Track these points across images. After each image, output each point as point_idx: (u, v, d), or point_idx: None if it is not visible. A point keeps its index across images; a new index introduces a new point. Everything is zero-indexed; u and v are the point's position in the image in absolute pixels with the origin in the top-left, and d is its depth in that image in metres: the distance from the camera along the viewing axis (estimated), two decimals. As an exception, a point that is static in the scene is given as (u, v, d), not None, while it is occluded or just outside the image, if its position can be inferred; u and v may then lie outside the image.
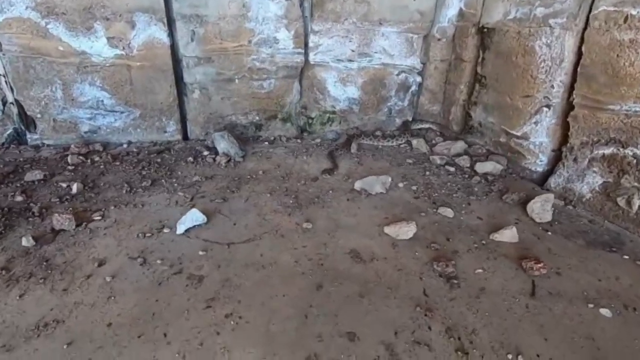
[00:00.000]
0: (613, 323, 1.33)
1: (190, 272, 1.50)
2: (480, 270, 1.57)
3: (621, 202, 1.93)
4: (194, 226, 1.79)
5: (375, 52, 3.04)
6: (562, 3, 2.14)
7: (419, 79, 3.26)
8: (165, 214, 1.90)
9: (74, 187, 2.06)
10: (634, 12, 1.80)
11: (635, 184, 1.88)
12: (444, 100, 3.29)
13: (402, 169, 2.56)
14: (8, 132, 2.65)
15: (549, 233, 1.85)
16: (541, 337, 1.26)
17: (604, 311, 1.37)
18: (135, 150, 2.68)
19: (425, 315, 1.33)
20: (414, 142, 2.98)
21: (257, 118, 3.05)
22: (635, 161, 1.88)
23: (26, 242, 1.61)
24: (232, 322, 1.27)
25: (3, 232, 1.69)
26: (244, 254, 1.63)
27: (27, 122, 2.65)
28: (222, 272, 1.51)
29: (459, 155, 2.78)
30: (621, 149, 1.93)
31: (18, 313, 1.27)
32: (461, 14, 2.96)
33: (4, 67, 2.49)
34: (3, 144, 2.62)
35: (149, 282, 1.44)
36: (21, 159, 2.43)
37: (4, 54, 2.44)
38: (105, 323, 1.25)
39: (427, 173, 2.51)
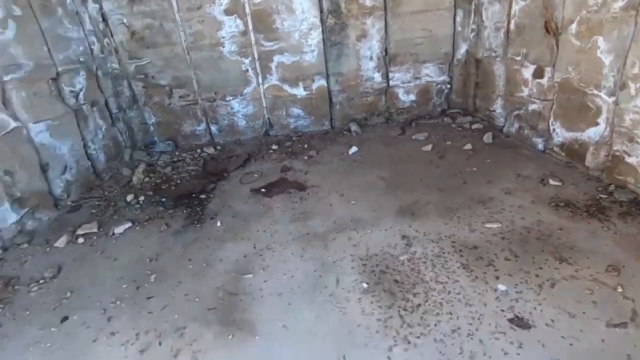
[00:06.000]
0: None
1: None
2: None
3: (522, 132, 4.98)
4: (354, 152, 5.38)
5: (424, 76, 6.38)
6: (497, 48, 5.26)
7: (449, 86, 6.48)
8: (341, 151, 5.55)
9: (312, 152, 5.87)
10: (517, 58, 4.89)
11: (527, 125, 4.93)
12: (463, 95, 6.45)
13: (438, 131, 5.85)
14: (264, 130, 6.65)
15: (488, 146, 5.01)
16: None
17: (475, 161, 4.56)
18: (314, 133, 6.47)
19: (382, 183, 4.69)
20: (446, 119, 6.23)
21: (365, 115, 6.62)
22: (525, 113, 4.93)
23: (306, 159, 5.39)
24: (327, 205, 4.81)
25: (291, 160, 5.50)
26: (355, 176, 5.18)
27: (270, 125, 6.64)
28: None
29: (467, 122, 5.96)
30: (522, 112, 4.99)
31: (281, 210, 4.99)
32: (467, 52, 6.14)
33: (265, 106, 6.48)
34: (263, 134, 6.63)
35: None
36: (275, 140, 6.36)
37: (266, 98, 6.43)
38: (292, 235, 4.89)
39: (447, 131, 5.77)
